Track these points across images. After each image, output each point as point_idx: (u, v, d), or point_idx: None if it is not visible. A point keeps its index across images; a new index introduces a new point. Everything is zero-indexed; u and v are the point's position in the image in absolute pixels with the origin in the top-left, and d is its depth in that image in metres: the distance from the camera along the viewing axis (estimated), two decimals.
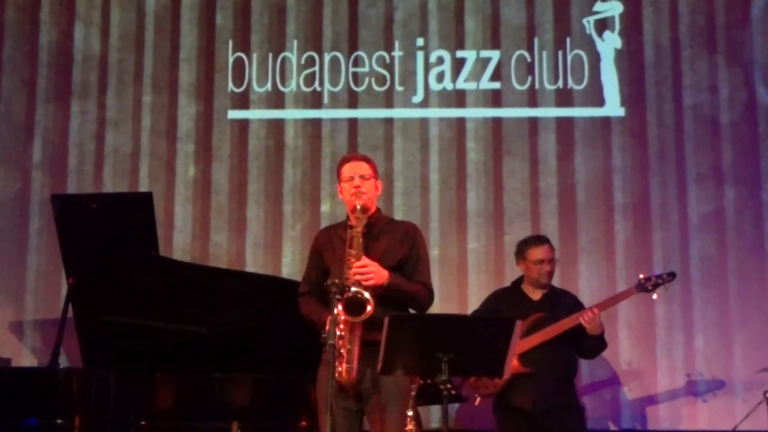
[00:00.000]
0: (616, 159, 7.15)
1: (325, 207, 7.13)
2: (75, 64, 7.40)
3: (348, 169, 4.92)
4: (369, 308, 4.58)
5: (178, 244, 7.17)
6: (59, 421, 5.38)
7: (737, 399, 6.68)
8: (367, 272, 4.66)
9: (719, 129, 7.15)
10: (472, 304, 6.68)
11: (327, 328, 4.52)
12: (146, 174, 7.26)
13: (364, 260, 4.70)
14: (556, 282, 6.13)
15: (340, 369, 4.59)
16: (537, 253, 5.92)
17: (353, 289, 4.59)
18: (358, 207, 4.79)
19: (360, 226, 4.78)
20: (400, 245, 4.89)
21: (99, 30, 7.41)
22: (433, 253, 6.97)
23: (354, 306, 4.58)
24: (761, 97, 7.11)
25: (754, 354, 6.32)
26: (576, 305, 5.98)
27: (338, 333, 4.56)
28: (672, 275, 5.92)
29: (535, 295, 5.97)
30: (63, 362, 6.03)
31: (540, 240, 6.02)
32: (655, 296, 6.03)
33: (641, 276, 5.96)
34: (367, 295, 4.59)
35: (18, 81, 7.41)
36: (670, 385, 6.87)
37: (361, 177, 4.88)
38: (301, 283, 5.07)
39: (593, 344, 5.85)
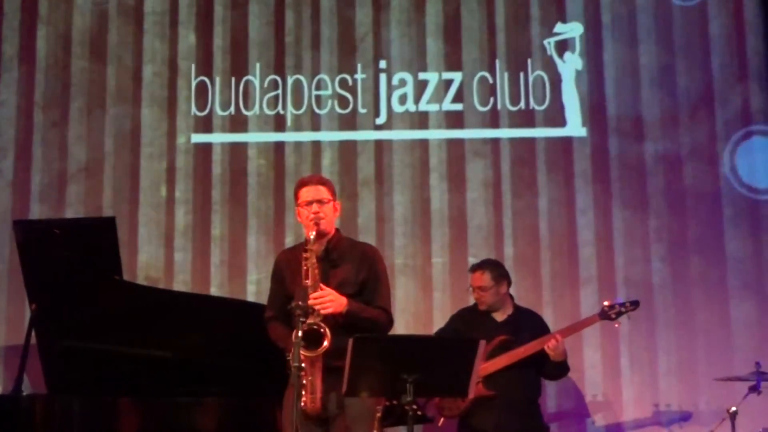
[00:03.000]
0: (578, 179, 7.19)
1: (290, 233, 7.12)
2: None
3: (305, 193, 4.91)
4: (325, 343, 4.60)
5: (142, 265, 7.14)
6: None
7: (704, 428, 6.66)
8: (324, 301, 4.67)
9: (681, 148, 7.20)
10: (436, 322, 6.69)
11: (292, 350, 4.53)
12: (110, 196, 7.22)
13: (321, 291, 4.70)
14: (520, 302, 6.16)
15: (304, 399, 4.59)
16: (470, 280, 6.03)
17: (308, 323, 4.58)
18: (312, 237, 4.77)
19: (314, 255, 4.76)
20: (358, 270, 4.89)
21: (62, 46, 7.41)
22: (397, 271, 7.00)
23: (311, 339, 4.58)
24: None
25: (719, 385, 6.34)
26: (540, 327, 6.00)
27: (300, 364, 4.56)
28: (635, 304, 5.93)
29: (499, 315, 5.99)
30: (26, 389, 5.97)
31: (473, 267, 6.09)
32: (617, 325, 6.05)
33: (605, 303, 5.97)
34: (325, 328, 4.60)
35: None
36: (636, 415, 6.87)
37: (319, 202, 4.87)
38: (266, 309, 5.06)
39: (556, 369, 5.87)
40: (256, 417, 5.65)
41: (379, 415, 4.72)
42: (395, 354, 4.42)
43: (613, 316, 5.91)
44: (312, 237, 4.76)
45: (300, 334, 4.48)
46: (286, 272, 4.96)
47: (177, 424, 5.60)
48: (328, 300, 4.68)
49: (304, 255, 4.76)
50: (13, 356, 6.76)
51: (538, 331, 5.88)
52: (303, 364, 4.53)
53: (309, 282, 4.71)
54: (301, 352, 4.50)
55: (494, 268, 6.02)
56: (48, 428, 5.41)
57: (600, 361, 6.93)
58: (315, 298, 4.66)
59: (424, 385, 4.39)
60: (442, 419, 5.91)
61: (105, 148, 7.29)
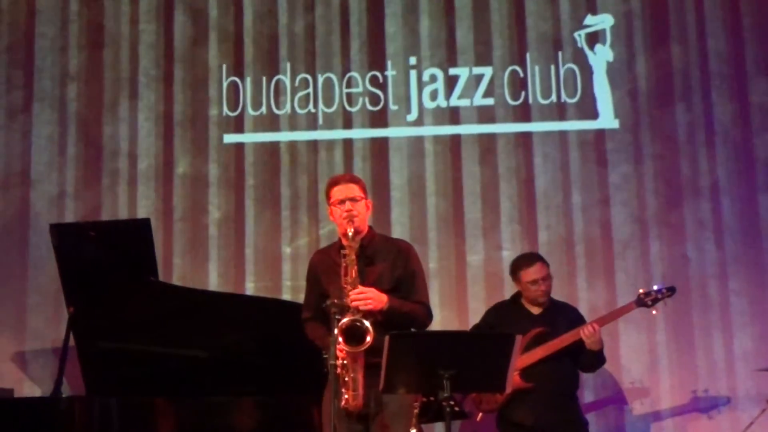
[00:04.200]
0: (612, 171, 7.16)
1: (324, 230, 7.13)
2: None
3: (337, 192, 4.92)
4: (369, 339, 4.59)
5: (177, 265, 7.17)
6: None
7: (743, 414, 6.63)
8: (365, 298, 4.67)
9: (713, 137, 7.16)
10: (472, 317, 6.67)
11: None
12: (143, 198, 7.27)
13: (361, 288, 4.71)
14: (555, 295, 6.13)
15: (346, 396, 4.60)
16: (530, 273, 5.93)
17: (350, 318, 4.59)
18: (350, 233, 4.78)
19: (353, 251, 4.77)
20: (394, 266, 4.90)
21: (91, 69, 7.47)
22: (431, 267, 6.99)
23: (354, 336, 4.58)
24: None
25: (758, 371, 6.31)
26: (577, 319, 5.98)
27: (342, 361, 4.57)
28: (672, 290, 5.90)
29: (535, 309, 5.97)
30: (66, 391, 6.02)
31: (531, 259, 6.02)
32: (654, 312, 6.01)
33: (641, 291, 5.94)
34: (367, 324, 4.60)
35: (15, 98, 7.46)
36: (674, 402, 6.83)
37: (352, 200, 4.88)
38: (303, 310, 5.07)
39: (593, 359, 5.84)
40: (293, 415, 5.67)
41: (416, 411, 4.72)
42: (431, 350, 4.42)
43: (650, 303, 5.88)
44: (350, 233, 4.77)
45: (336, 332, 4.50)
46: (321, 272, 4.97)
47: (214, 424, 5.62)
48: (369, 297, 4.68)
49: (343, 252, 4.78)
50: (52, 359, 6.82)
51: (574, 323, 5.86)
52: (345, 361, 4.56)
53: (348, 279, 4.71)
54: (345, 347, 4.52)
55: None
56: (87, 429, 5.44)
57: (637, 348, 6.90)
58: (356, 294, 4.67)
59: (460, 380, 4.39)
60: (480, 414, 5.90)
61: (138, 148, 7.33)
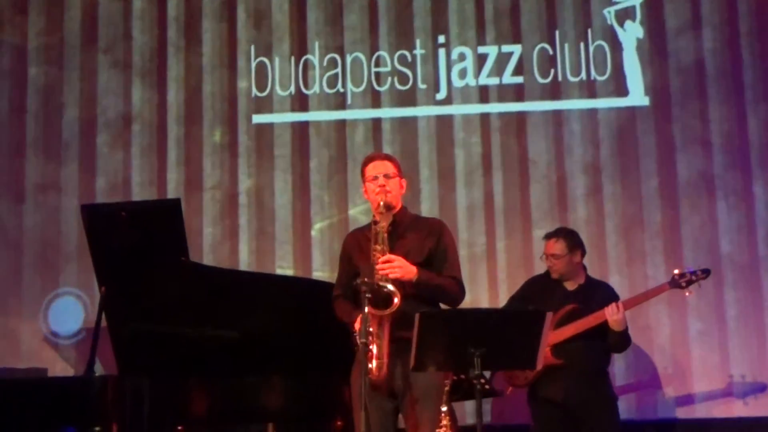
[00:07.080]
0: (642, 149, 7.12)
1: (353, 210, 7.14)
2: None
3: (372, 169, 4.94)
4: (396, 300, 4.59)
5: (207, 246, 7.21)
6: (97, 428, 5.40)
7: None
8: (392, 266, 4.68)
9: (745, 116, 7.10)
10: (503, 301, 6.66)
11: (358, 326, 4.54)
12: (174, 179, 7.31)
13: (390, 255, 4.72)
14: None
15: (370, 366, 4.59)
16: (545, 248, 5.94)
17: (380, 284, 4.60)
18: (382, 203, 4.81)
19: (385, 222, 4.80)
20: (426, 240, 4.89)
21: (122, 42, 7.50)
22: (462, 251, 6.96)
23: (380, 300, 4.59)
24: None
25: None
26: (611, 298, 5.89)
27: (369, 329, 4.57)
28: (707, 272, 5.82)
29: (570, 285, 5.93)
30: (98, 370, 6.06)
31: (548, 235, 6.00)
32: (688, 293, 5.95)
33: (675, 272, 5.87)
34: (391, 287, 4.60)
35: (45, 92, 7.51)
36: (708, 387, 6.81)
37: (386, 176, 4.90)
38: (334, 288, 5.09)
39: (617, 339, 5.78)
40: (324, 393, 5.68)
41: (447, 389, 4.72)
42: (462, 328, 4.42)
43: (684, 284, 5.81)
44: (382, 203, 4.80)
45: (366, 310, 4.49)
46: (354, 251, 4.98)
47: (246, 402, 5.65)
48: (397, 266, 4.69)
49: (374, 219, 4.80)
50: (84, 339, 6.88)
51: (608, 302, 5.81)
52: (371, 329, 4.55)
53: (378, 247, 4.73)
54: (371, 311, 4.52)
55: (569, 236, 5.95)
56: (119, 408, 5.47)
57: (670, 332, 6.87)
58: (383, 263, 4.68)
59: (491, 358, 4.38)
60: (510, 388, 5.90)
61: (167, 130, 7.36)
